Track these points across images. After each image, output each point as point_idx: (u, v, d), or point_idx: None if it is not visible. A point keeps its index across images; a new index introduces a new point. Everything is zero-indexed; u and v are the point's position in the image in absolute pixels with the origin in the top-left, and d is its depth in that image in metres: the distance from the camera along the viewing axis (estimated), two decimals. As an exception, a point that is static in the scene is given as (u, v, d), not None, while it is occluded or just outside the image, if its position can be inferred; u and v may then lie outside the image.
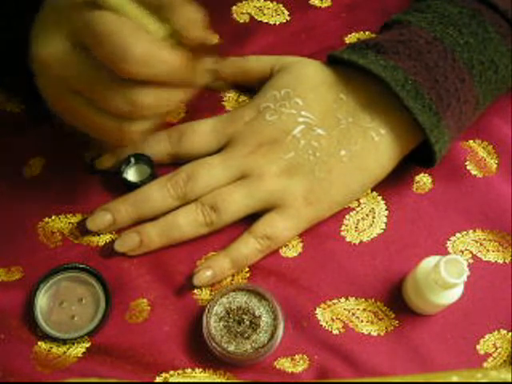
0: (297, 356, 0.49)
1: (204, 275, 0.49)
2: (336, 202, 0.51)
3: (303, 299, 0.50)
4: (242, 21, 0.60)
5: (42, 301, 0.49)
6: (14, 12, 0.49)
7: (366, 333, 0.50)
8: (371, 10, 0.61)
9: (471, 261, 0.52)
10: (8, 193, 0.52)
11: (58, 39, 0.41)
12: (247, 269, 0.51)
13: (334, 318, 0.50)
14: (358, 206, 0.53)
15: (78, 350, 0.48)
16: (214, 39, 0.40)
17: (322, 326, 0.50)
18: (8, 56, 0.50)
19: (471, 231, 0.53)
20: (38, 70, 0.43)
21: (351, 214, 0.53)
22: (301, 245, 0.52)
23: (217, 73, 0.44)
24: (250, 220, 0.51)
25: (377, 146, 0.50)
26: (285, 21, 0.61)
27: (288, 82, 0.53)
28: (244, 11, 0.61)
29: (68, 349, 0.48)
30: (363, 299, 0.51)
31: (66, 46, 0.41)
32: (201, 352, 0.48)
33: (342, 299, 0.51)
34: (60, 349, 0.48)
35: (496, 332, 0.50)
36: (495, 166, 0.55)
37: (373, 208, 0.53)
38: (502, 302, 0.51)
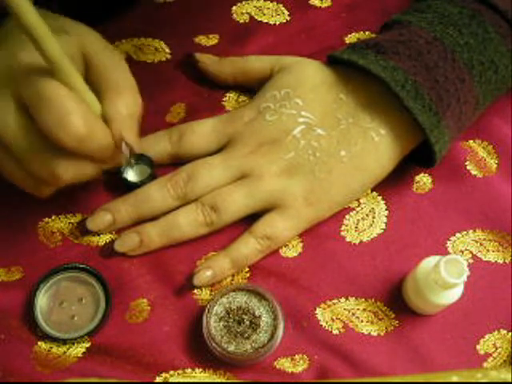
0: (297, 356, 0.49)
1: (204, 275, 0.49)
2: (336, 202, 0.51)
3: (303, 299, 0.50)
4: (241, 21, 0.60)
5: (42, 301, 0.49)
6: None
7: (365, 333, 0.50)
8: (371, 9, 0.61)
9: (471, 261, 0.52)
10: (8, 193, 0.52)
11: (0, 95, 0.41)
12: (247, 269, 0.51)
13: (334, 317, 0.50)
14: (358, 206, 0.53)
15: (78, 350, 0.48)
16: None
17: (322, 326, 0.50)
18: None
19: (471, 231, 0.53)
20: None
21: (351, 214, 0.53)
22: (301, 245, 0.52)
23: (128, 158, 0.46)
24: (250, 220, 0.51)
25: (377, 147, 0.50)
26: (285, 21, 0.61)
27: (288, 82, 0.53)
28: (244, 11, 0.61)
29: (68, 349, 0.48)
30: (363, 299, 0.51)
31: (8, 102, 0.41)
32: (201, 352, 0.48)
33: (342, 299, 0.51)
34: (60, 349, 0.48)
35: (496, 332, 0.50)
36: (495, 166, 0.55)
37: (373, 208, 0.53)
38: (502, 302, 0.51)
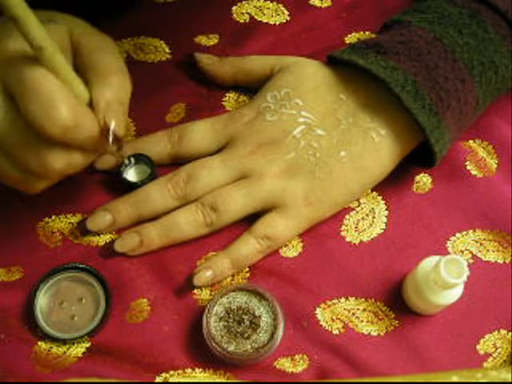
0: (297, 356, 0.49)
1: (204, 275, 0.49)
2: (336, 202, 0.51)
3: (303, 299, 0.50)
4: (242, 21, 0.60)
5: (42, 301, 0.49)
6: None
7: (365, 333, 0.50)
8: (371, 9, 0.61)
9: (471, 261, 0.52)
10: (8, 193, 0.52)
11: None
12: (247, 269, 0.51)
13: (334, 317, 0.50)
14: (358, 206, 0.53)
15: (78, 350, 0.48)
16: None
17: (322, 326, 0.50)
18: None
19: (471, 231, 0.53)
20: None
21: (351, 214, 0.53)
22: (301, 245, 0.52)
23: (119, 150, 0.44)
24: (250, 220, 0.51)
25: (377, 147, 0.50)
26: (285, 21, 0.61)
27: (288, 82, 0.53)
28: (244, 11, 0.61)
29: (68, 349, 0.48)
30: (363, 299, 0.51)
31: None
32: (201, 352, 0.48)
33: (342, 299, 0.51)
34: (60, 349, 0.48)
35: (496, 332, 0.50)
36: (495, 166, 0.55)
37: (373, 208, 0.53)
38: (502, 302, 0.51)
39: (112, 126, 0.42)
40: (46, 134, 0.39)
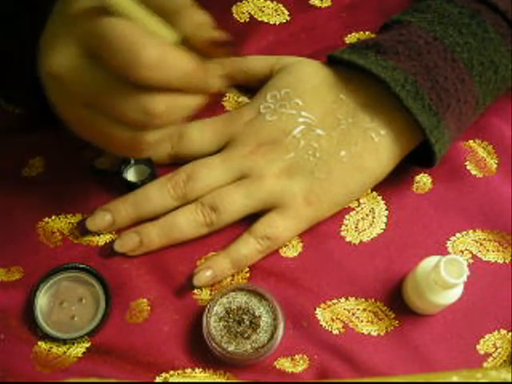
0: (297, 356, 0.49)
1: (204, 275, 0.49)
2: (336, 202, 0.51)
3: (303, 299, 0.50)
4: (242, 21, 0.60)
5: (42, 301, 0.49)
6: (20, 20, 0.49)
7: (365, 333, 0.50)
8: (371, 9, 0.61)
9: (471, 261, 0.52)
10: (8, 193, 0.52)
11: (67, 49, 0.39)
12: (247, 269, 0.51)
13: (334, 317, 0.50)
14: (358, 205, 0.53)
15: (78, 350, 0.48)
16: (225, 37, 0.40)
17: (322, 325, 0.50)
18: (11, 65, 0.50)
19: (471, 231, 0.53)
20: (49, 83, 0.41)
21: (351, 214, 0.53)
22: (301, 245, 0.52)
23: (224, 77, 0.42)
24: (250, 220, 0.51)
25: (377, 147, 0.50)
26: (285, 21, 0.61)
27: (288, 82, 0.53)
28: (244, 11, 0.61)
29: (68, 349, 0.48)
30: (363, 299, 0.51)
31: (76, 55, 0.39)
32: (201, 352, 0.48)
33: (342, 299, 0.51)
34: (60, 349, 0.48)
35: (496, 332, 0.50)
36: (495, 166, 0.55)
37: (373, 208, 0.53)
38: (502, 302, 0.51)
39: (214, 36, 0.40)
40: (138, 80, 0.38)
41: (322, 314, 0.50)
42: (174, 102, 0.40)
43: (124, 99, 0.39)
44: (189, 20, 0.40)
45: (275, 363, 0.49)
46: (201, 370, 0.48)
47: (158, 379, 0.48)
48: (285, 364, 0.49)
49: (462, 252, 0.52)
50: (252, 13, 0.61)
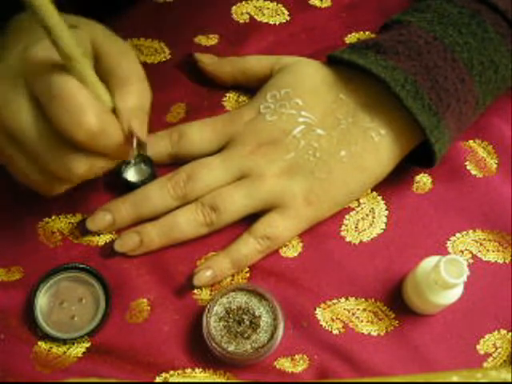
0: (297, 356, 0.49)
1: (204, 275, 0.49)
2: (336, 202, 0.51)
3: (303, 299, 0.50)
4: (242, 21, 0.60)
5: (42, 301, 0.49)
6: None
7: (365, 333, 0.50)
8: (371, 9, 0.61)
9: (471, 261, 0.52)
10: (8, 193, 0.52)
11: (13, 90, 0.41)
12: (247, 269, 0.51)
13: (334, 317, 0.50)
14: (358, 205, 0.53)
15: (78, 350, 0.48)
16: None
17: (322, 325, 0.50)
18: None
19: (471, 231, 0.53)
20: None
21: (351, 214, 0.53)
22: (301, 245, 0.52)
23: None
24: (250, 220, 0.51)
25: (377, 146, 0.50)
26: (285, 21, 0.61)
27: (288, 82, 0.53)
28: (244, 11, 0.61)
29: (68, 349, 0.48)
30: (363, 299, 0.51)
31: (21, 98, 0.41)
32: (201, 352, 0.48)
33: (342, 299, 0.51)
34: (60, 349, 0.48)
35: (496, 332, 0.50)
36: (495, 166, 0.55)
37: (373, 208, 0.53)
38: (502, 302, 0.51)
39: (135, 130, 0.42)
40: (73, 140, 0.40)
41: (322, 314, 0.50)
42: (95, 166, 0.43)
43: (52, 152, 0.41)
44: (122, 98, 0.42)
45: (275, 363, 0.49)
46: (201, 369, 0.48)
47: (157, 379, 0.48)
48: (285, 364, 0.49)
49: (462, 252, 0.52)
50: (252, 13, 0.61)
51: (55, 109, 0.39)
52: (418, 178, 0.55)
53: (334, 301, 0.51)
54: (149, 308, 0.50)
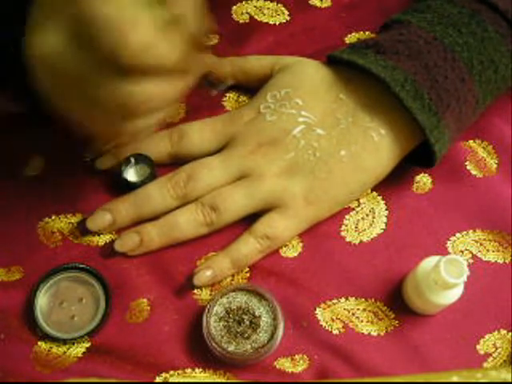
0: (297, 356, 0.49)
1: (204, 275, 0.49)
2: (336, 201, 0.51)
3: (303, 299, 0.50)
4: (241, 21, 0.60)
5: (42, 301, 0.49)
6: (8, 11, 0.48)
7: (366, 333, 0.50)
8: (371, 9, 0.61)
9: (471, 261, 0.52)
10: (8, 193, 0.52)
11: (53, 31, 0.38)
12: (247, 269, 0.51)
13: (334, 317, 0.50)
14: (358, 205, 0.53)
15: (78, 350, 0.48)
16: (213, 39, 0.39)
17: (322, 326, 0.50)
18: (8, 57, 0.49)
19: (471, 231, 0.53)
20: (34, 65, 0.40)
21: (351, 214, 0.53)
22: (301, 245, 0.52)
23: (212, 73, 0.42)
24: (250, 220, 0.51)
25: (377, 146, 0.50)
26: (285, 21, 0.61)
27: (288, 82, 0.53)
28: (244, 11, 0.61)
29: (68, 349, 0.48)
30: (363, 299, 0.51)
31: (62, 37, 0.38)
32: (201, 352, 0.48)
33: (342, 299, 0.51)
34: (60, 349, 0.48)
35: (496, 332, 0.50)
36: (495, 166, 0.55)
37: (373, 208, 0.53)
38: (502, 302, 0.51)
39: (201, 27, 0.39)
40: (122, 60, 0.37)
41: (322, 314, 0.50)
42: (157, 89, 0.39)
43: (107, 83, 0.38)
44: (181, 2, 0.39)
45: (275, 363, 0.49)
46: (201, 369, 0.48)
47: (157, 379, 0.48)
48: (285, 364, 0.49)
49: (462, 252, 0.52)
50: (252, 13, 0.61)
51: (100, 34, 0.36)
52: (417, 178, 0.55)
53: (334, 301, 0.51)
54: (149, 308, 0.50)
